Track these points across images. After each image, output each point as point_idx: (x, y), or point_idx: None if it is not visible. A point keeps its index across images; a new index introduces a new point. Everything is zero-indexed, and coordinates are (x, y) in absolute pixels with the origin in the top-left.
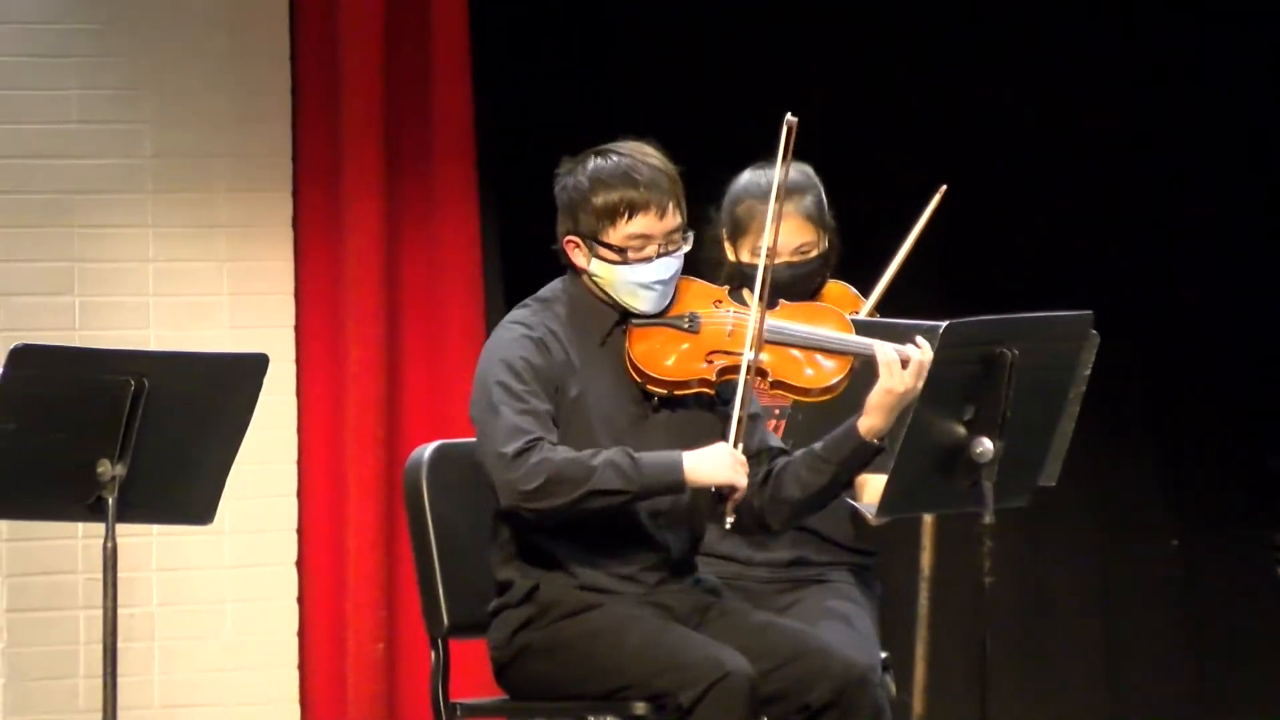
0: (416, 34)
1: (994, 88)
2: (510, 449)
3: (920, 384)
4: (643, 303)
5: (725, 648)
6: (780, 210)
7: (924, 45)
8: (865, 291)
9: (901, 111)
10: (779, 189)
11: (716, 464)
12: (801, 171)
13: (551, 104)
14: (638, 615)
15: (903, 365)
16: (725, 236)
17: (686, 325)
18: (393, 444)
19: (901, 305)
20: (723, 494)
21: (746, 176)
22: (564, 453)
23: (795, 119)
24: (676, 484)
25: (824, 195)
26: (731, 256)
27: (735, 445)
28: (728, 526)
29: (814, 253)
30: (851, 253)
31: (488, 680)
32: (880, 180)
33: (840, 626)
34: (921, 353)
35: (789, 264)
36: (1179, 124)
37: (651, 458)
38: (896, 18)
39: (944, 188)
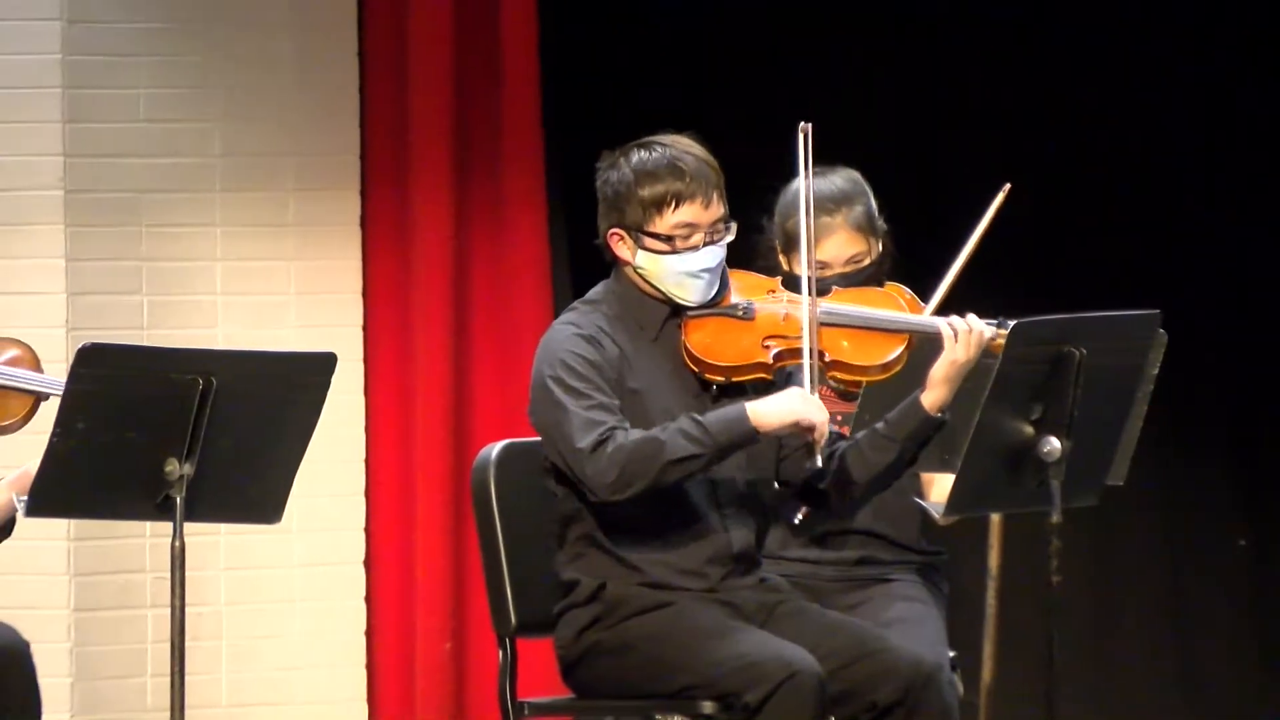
0: (485, 33)
1: (1054, 85)
2: (586, 443)
3: (978, 353)
4: (691, 292)
5: (793, 646)
6: (811, 220)
7: (973, 44)
8: (925, 294)
9: (957, 112)
10: (807, 198)
11: (784, 404)
12: (849, 179)
13: (620, 104)
14: (705, 614)
15: (966, 333)
16: (779, 248)
17: (741, 313)
18: (460, 443)
19: (960, 307)
20: (807, 441)
21: (795, 188)
22: (634, 435)
23: (808, 125)
24: (747, 434)
25: (873, 201)
26: (786, 267)
27: (811, 391)
28: (818, 464)
29: (867, 261)
30: (907, 257)
31: (555, 679)
32: (934, 182)
33: (908, 625)
34: (980, 325)
35: (843, 275)
36: (1245, 120)
37: (717, 414)
38: (948, 17)
39: (1007, 186)
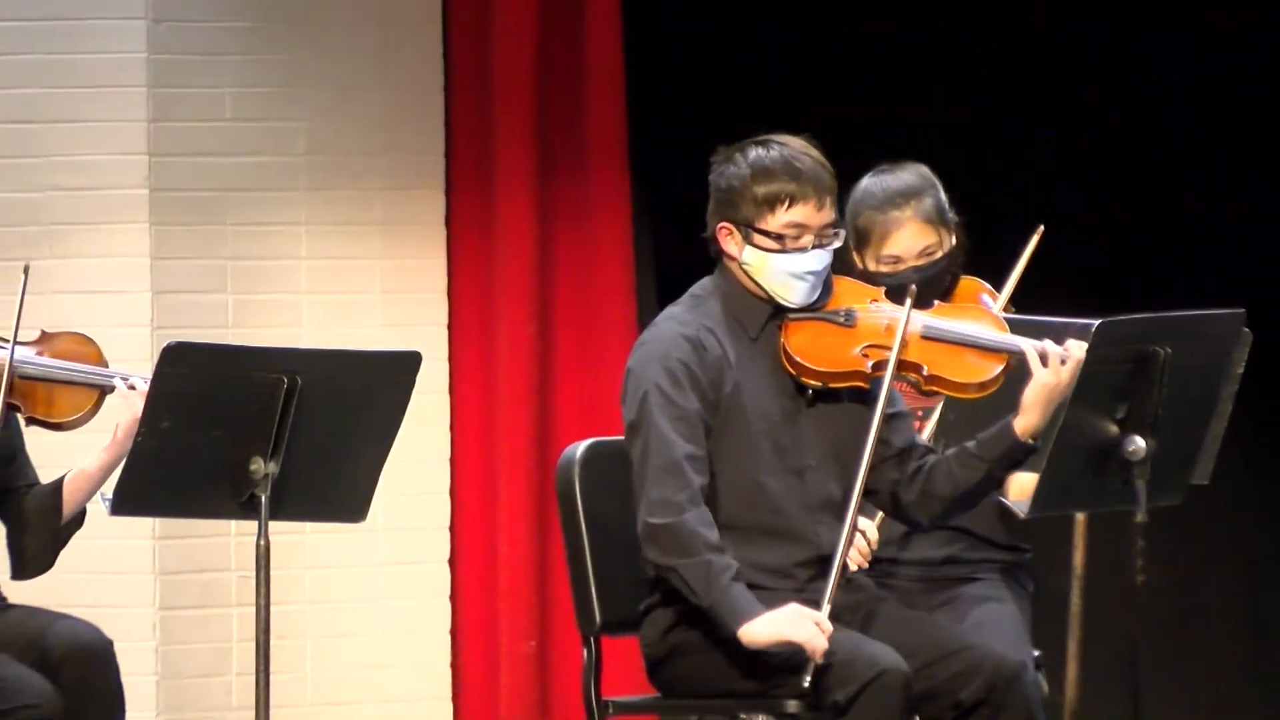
0: (570, 32)
1: (1135, 79)
2: (659, 461)
3: (1072, 379)
4: (794, 294)
5: (881, 645)
6: (929, 212)
7: (1052, 45)
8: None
9: (1036, 109)
10: (931, 194)
11: (775, 627)
12: (917, 173)
13: (704, 103)
14: None
15: (1060, 361)
16: (851, 246)
17: (843, 320)
18: (545, 442)
19: (1039, 301)
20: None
21: (864, 185)
22: (698, 522)
23: (915, 288)
24: (730, 631)
25: (943, 194)
26: (859, 265)
27: (829, 598)
28: (805, 683)
29: (939, 253)
30: (982, 249)
31: (640, 677)
32: (1010, 177)
33: (992, 624)
34: (1077, 350)
35: (916, 267)
36: None
37: (738, 593)
38: (1027, 15)
39: (1041, 228)
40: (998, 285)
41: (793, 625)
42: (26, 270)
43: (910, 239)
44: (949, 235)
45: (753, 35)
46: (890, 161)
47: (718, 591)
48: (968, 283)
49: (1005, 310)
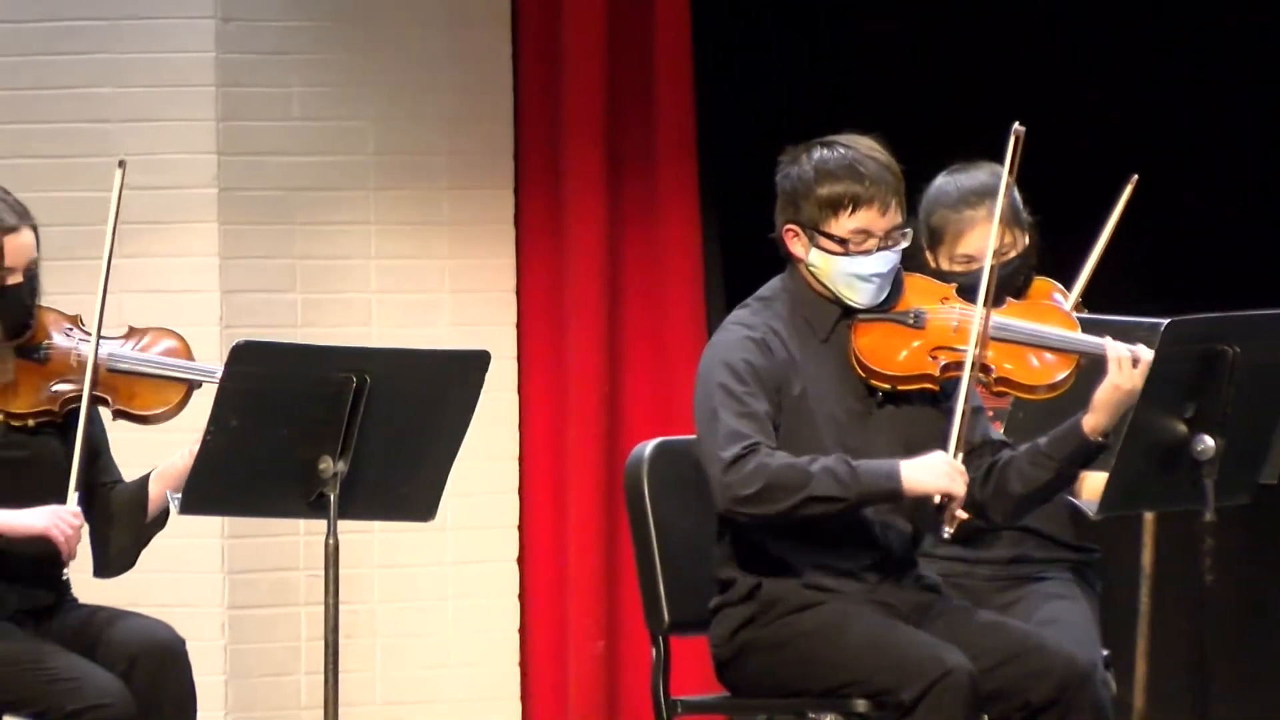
0: (639, 32)
1: (1203, 75)
2: (728, 454)
3: (1143, 382)
4: (859, 295)
5: (947, 645)
6: (1002, 212)
7: (1114, 40)
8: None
9: (1098, 102)
10: (1005, 194)
11: (933, 472)
12: (992, 173)
13: (773, 103)
14: (859, 613)
15: (1133, 364)
16: (925, 246)
17: (912, 321)
18: (613, 441)
19: (1108, 299)
20: (941, 504)
21: (938, 184)
22: (781, 458)
23: (1023, 128)
24: (893, 492)
25: (1017, 194)
26: (932, 264)
27: (955, 454)
28: (945, 536)
29: (1013, 253)
30: (1052, 248)
31: (708, 677)
32: (1076, 172)
33: (1061, 624)
34: (1145, 351)
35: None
36: None
37: (868, 465)
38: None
39: (1135, 177)
40: (1094, 237)
41: (951, 478)
42: (122, 164)
43: (984, 238)
44: (1023, 235)
45: (823, 33)
46: (963, 160)
47: (853, 477)
48: (1041, 283)
49: (1076, 309)
